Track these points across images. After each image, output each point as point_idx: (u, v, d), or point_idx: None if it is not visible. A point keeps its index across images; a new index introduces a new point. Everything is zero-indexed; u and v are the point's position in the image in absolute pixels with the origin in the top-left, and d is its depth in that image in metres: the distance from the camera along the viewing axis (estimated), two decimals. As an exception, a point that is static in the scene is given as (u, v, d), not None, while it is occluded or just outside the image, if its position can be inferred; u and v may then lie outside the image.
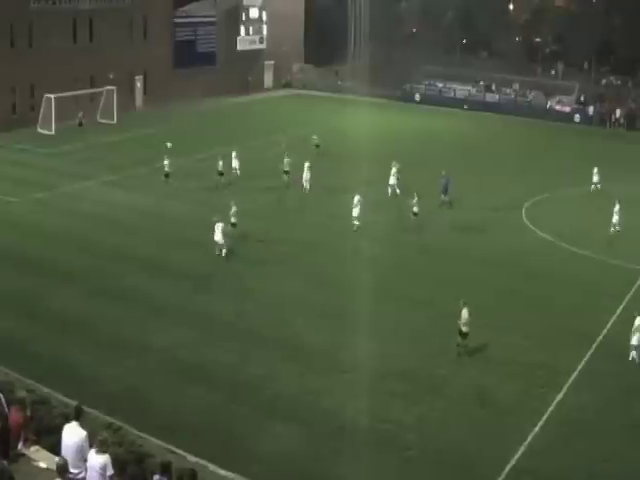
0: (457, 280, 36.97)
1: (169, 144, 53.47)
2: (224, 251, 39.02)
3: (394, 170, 50.40)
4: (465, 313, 29.29)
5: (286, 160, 52.30)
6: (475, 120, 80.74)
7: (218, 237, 38.76)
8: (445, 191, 48.80)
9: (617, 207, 43.23)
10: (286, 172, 52.32)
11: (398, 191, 49.97)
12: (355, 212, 43.33)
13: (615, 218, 43.10)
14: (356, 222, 43.30)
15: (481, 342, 30.21)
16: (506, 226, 45.86)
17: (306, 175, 50.67)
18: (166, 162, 51.09)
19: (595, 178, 52.46)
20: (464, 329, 29.30)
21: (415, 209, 44.58)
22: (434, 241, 42.66)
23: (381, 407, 26.00)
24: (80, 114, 69.64)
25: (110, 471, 16.58)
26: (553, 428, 25.18)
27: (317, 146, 59.52)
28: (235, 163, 53.10)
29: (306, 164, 51.12)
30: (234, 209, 41.02)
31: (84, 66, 72.06)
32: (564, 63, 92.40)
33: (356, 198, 43.45)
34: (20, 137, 63.74)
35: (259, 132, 62.98)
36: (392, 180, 50.28)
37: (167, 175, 51.19)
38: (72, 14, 72.83)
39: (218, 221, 38.95)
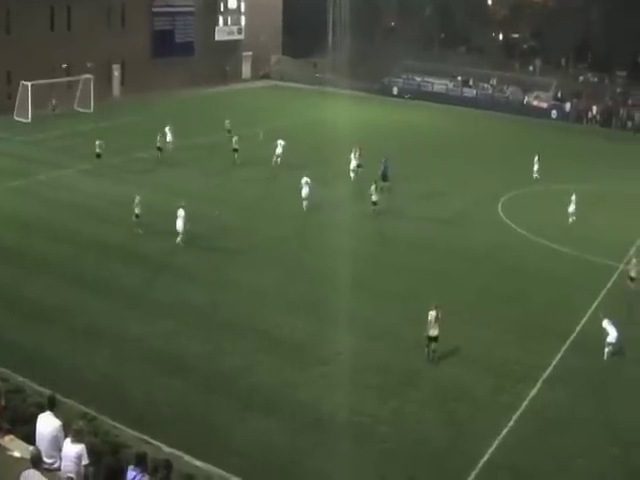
0: (433, 274, 37.18)
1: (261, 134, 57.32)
2: (179, 239, 39.09)
3: (354, 154, 52.12)
4: (430, 315, 28.63)
5: (234, 139, 55.52)
6: (452, 115, 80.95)
7: (179, 224, 38.97)
8: (385, 177, 49.51)
9: (573, 197, 44.94)
10: (235, 150, 55.42)
11: (352, 175, 51.61)
12: (303, 193, 45.23)
13: (572, 208, 44.80)
14: (305, 202, 45.24)
15: (457, 337, 30.25)
16: (482, 221, 46.03)
17: (278, 151, 53.82)
18: (97, 142, 52.91)
19: (535, 167, 54.66)
20: (430, 333, 28.61)
21: (374, 198, 45.21)
22: (410, 234, 42.77)
23: (357, 400, 26.00)
24: (53, 101, 69.19)
25: (85, 460, 16.51)
26: (528, 423, 25.29)
27: (229, 132, 59.85)
28: (169, 137, 56.43)
29: (280, 141, 54.07)
30: (137, 199, 40.74)
31: (62, 54, 71.63)
32: (542, 59, 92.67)
33: (303, 180, 45.42)
34: (-4, 125, 63.35)
35: (236, 123, 62.78)
36: (353, 164, 51.91)
37: (98, 155, 52.89)
38: (50, 2, 72.39)
39: (181, 207, 39.24)
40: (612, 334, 29.65)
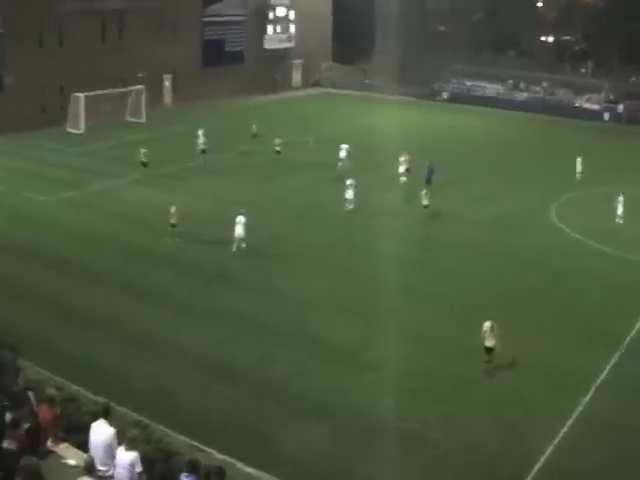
0: (485, 278, 36.99)
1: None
2: (244, 245, 39.45)
3: (402, 159, 52.11)
4: (485, 326, 28.21)
5: (277, 140, 57.37)
6: (503, 118, 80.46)
7: (239, 231, 39.29)
8: (429, 180, 49.70)
9: (621, 198, 44.98)
10: (277, 152, 57.67)
11: (404, 179, 51.40)
12: (348, 194, 45.87)
13: (619, 210, 44.86)
14: (348, 204, 45.91)
15: (508, 342, 29.95)
16: (535, 224, 45.63)
17: (342, 155, 54.23)
18: (142, 151, 53.73)
19: (579, 168, 54.50)
20: (486, 343, 28.20)
21: (425, 202, 45.40)
22: (461, 238, 42.52)
23: (408, 406, 25.90)
24: (107, 108, 69.84)
25: (139, 468, 16.71)
26: (581, 428, 24.98)
27: (254, 135, 60.96)
28: (202, 140, 57.60)
29: (343, 145, 54.56)
30: (173, 209, 40.88)
31: (113, 65, 72.43)
32: (593, 61, 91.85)
33: (348, 181, 46.01)
34: (50, 136, 64.19)
35: (286, 130, 63.02)
36: (401, 169, 52.02)
37: (144, 164, 53.62)
38: (101, 13, 73.28)
39: (241, 214, 39.57)
40: None
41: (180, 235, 40.65)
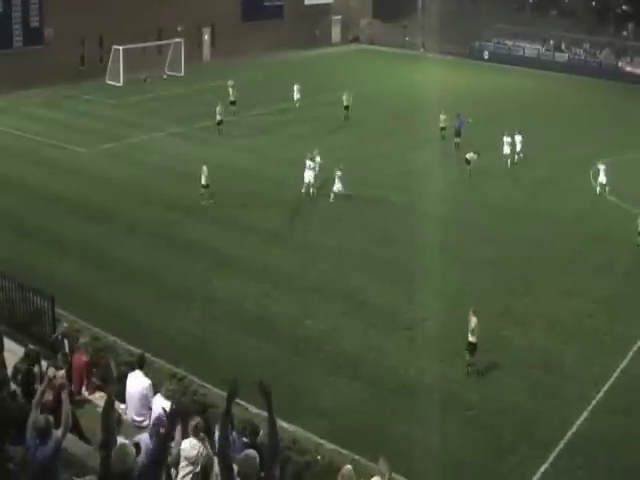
0: (522, 240, 36.67)
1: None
2: (312, 191, 41.02)
3: (443, 117, 52.74)
4: (473, 321, 25.52)
5: (345, 97, 56.89)
6: (544, 80, 79.28)
7: (309, 176, 40.70)
8: (458, 133, 50.45)
9: None
10: (346, 107, 57.21)
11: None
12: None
13: None
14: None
15: (545, 305, 29.95)
16: (573, 188, 45.07)
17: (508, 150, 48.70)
18: (218, 109, 52.90)
19: (518, 147, 49.37)
20: (471, 339, 25.50)
21: (468, 156, 45.45)
22: (498, 199, 42.23)
23: (443, 366, 25.91)
24: (146, 61, 69.63)
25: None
26: (617, 395, 24.80)
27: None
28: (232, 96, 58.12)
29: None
30: (205, 169, 39.78)
31: (152, 18, 72.19)
32: (635, 24, 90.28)
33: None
34: (88, 88, 64.36)
35: (324, 87, 62.63)
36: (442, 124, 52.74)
37: (220, 122, 52.98)
38: (142, -35, 72.91)
39: (308, 159, 40.74)
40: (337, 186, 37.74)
41: (212, 196, 40.19)
